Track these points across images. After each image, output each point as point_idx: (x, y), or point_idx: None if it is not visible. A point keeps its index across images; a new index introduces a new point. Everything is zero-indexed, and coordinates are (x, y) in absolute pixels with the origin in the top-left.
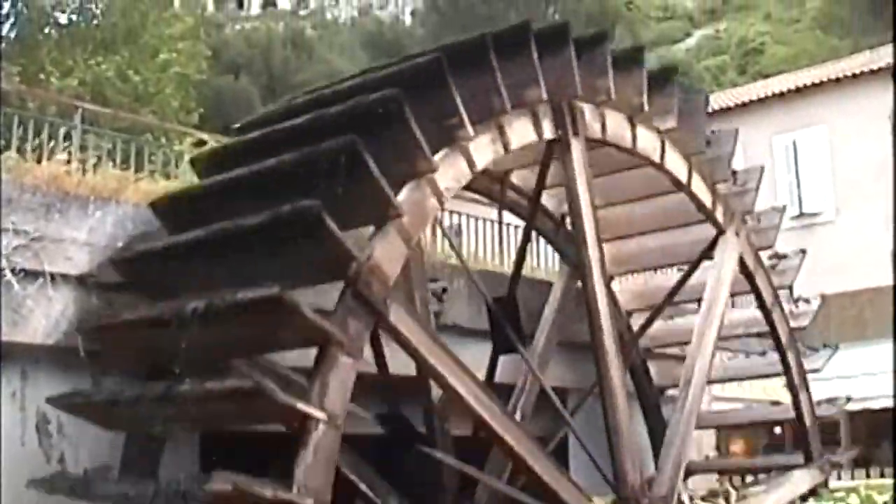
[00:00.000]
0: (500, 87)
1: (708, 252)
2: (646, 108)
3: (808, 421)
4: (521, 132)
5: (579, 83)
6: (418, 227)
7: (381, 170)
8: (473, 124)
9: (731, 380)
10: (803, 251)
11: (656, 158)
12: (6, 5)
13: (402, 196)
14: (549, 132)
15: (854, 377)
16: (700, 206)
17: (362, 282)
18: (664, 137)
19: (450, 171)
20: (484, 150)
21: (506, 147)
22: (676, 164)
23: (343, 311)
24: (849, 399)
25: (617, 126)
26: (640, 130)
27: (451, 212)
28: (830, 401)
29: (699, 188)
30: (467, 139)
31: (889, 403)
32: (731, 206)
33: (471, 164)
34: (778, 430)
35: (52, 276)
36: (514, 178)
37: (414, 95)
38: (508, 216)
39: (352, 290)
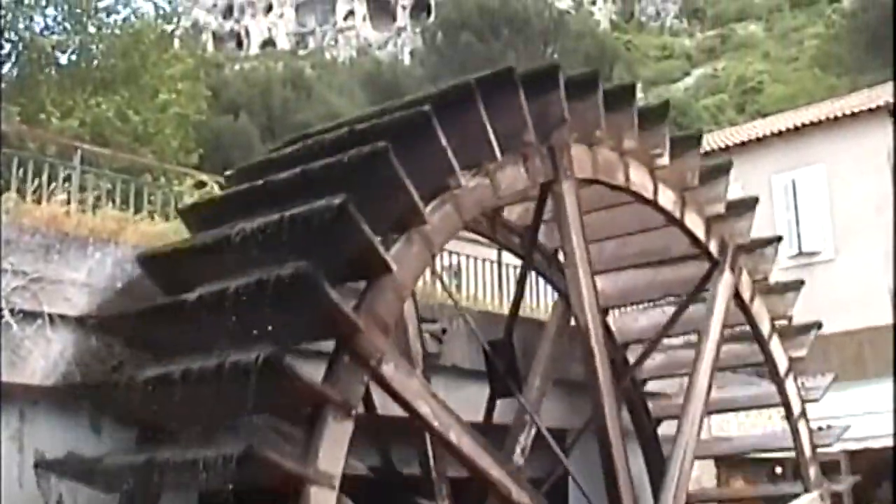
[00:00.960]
0: (664, 144)
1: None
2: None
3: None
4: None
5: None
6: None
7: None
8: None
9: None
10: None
11: (765, 338)
12: (7, 45)
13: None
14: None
15: (854, 416)
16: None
17: None
18: (776, 329)
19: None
20: (638, 170)
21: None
22: (780, 356)
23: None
24: (846, 427)
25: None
26: (758, 300)
27: (451, 252)
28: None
29: (794, 399)
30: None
31: (889, 443)
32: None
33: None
34: (779, 469)
35: (51, 317)
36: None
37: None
38: (507, 256)
39: None
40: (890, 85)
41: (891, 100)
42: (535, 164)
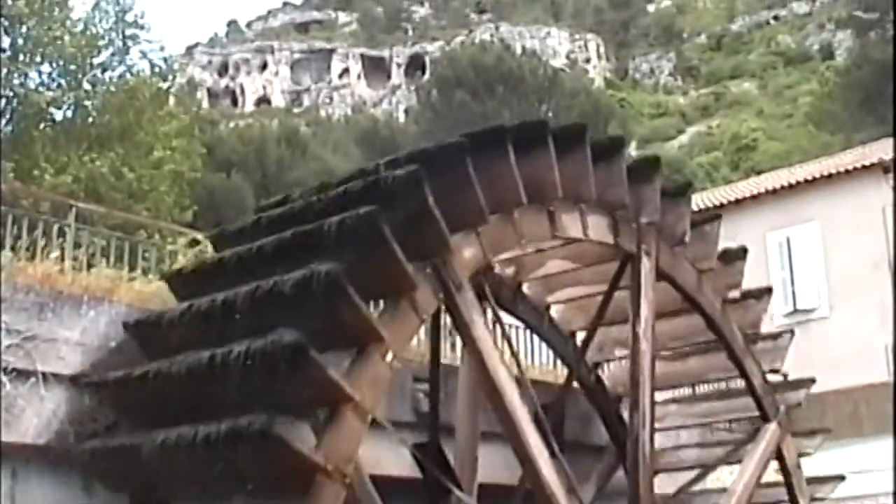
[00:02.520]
0: None
1: None
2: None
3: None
4: None
5: None
6: None
7: None
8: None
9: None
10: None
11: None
12: (1, 101)
13: None
14: None
15: (850, 474)
16: None
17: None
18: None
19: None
20: None
21: None
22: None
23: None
24: (843, 478)
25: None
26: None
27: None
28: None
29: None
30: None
31: (887, 501)
32: None
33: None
34: None
35: (45, 376)
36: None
37: None
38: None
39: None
40: (883, 142)
41: (884, 157)
42: None
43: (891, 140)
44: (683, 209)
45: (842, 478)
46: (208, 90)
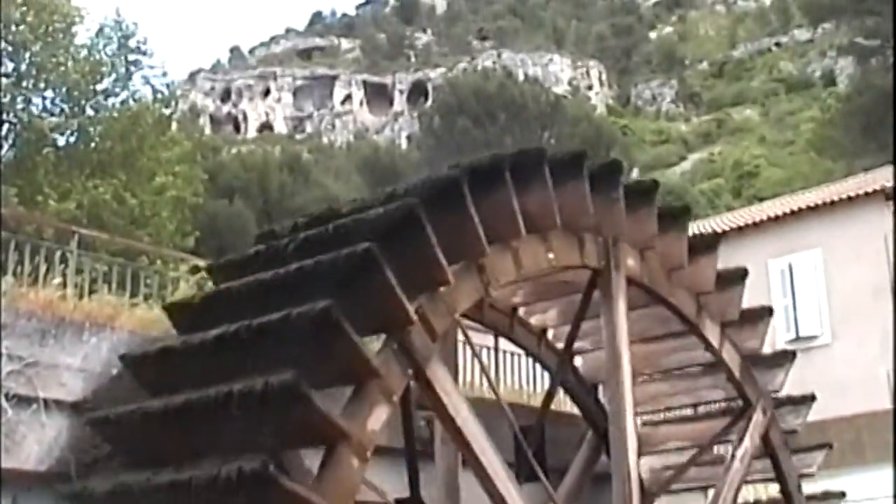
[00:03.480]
0: None
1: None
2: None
3: None
4: None
5: None
6: None
7: None
8: None
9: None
10: None
11: None
12: (5, 126)
13: None
14: None
15: (853, 502)
16: None
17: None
18: None
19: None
20: None
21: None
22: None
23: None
24: (843, 494)
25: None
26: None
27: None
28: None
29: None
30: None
31: None
32: None
33: None
34: None
35: (46, 402)
36: None
37: None
38: (503, 343)
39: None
40: (885, 169)
41: (886, 184)
42: None
43: (892, 167)
44: (762, 330)
45: (842, 494)
46: (211, 116)
